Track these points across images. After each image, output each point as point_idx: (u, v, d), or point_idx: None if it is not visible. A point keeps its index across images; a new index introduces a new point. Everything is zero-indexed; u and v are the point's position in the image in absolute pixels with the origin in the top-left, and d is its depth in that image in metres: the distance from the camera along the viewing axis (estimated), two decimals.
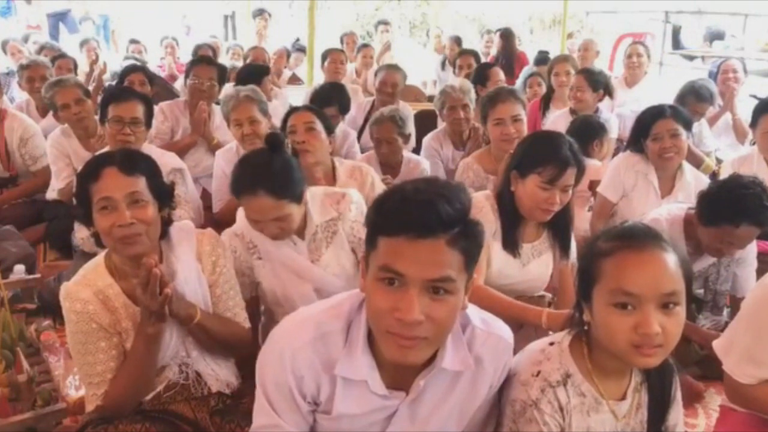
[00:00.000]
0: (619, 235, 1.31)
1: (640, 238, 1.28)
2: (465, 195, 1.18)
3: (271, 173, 1.86)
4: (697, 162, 3.67)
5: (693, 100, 4.05)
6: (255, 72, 4.22)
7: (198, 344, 1.76)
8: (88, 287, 1.65)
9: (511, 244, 2.15)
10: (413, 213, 1.12)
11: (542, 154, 2.06)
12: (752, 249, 2.55)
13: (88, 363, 1.64)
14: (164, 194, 1.70)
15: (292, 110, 2.83)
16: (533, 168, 2.04)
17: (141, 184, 1.63)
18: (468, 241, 1.16)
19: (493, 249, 2.15)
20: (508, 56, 6.59)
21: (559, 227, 2.22)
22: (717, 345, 1.79)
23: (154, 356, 1.65)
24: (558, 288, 2.32)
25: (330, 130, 2.77)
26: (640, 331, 1.22)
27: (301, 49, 7.26)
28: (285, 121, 2.78)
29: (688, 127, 2.93)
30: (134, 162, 1.65)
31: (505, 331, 1.37)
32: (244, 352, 1.88)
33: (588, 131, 3.65)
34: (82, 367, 1.66)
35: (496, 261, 2.16)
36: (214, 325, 1.74)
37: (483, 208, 2.14)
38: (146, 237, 1.62)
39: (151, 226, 1.63)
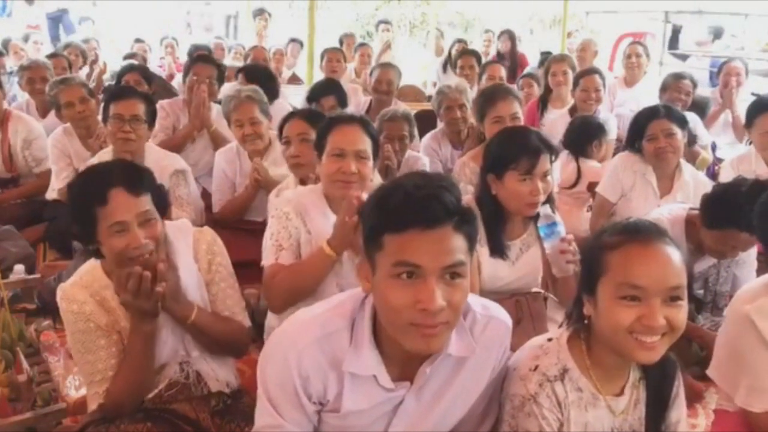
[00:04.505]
0: (625, 229, 1.33)
1: (645, 233, 1.30)
2: (457, 185, 1.25)
3: (366, 118, 2.20)
4: (693, 156, 3.69)
5: (671, 80, 4.17)
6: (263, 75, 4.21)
7: (198, 344, 1.76)
8: (85, 289, 1.65)
9: (498, 248, 2.14)
10: (420, 206, 1.16)
11: (512, 149, 2.06)
12: (752, 250, 2.55)
13: (89, 362, 1.64)
14: (164, 203, 1.70)
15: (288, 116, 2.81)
16: (507, 165, 2.04)
17: (148, 202, 1.62)
18: (469, 225, 1.21)
19: (482, 255, 2.13)
20: (514, 57, 6.63)
21: None
22: (711, 374, 1.85)
23: (152, 353, 1.65)
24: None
25: None
26: (644, 322, 1.24)
27: (294, 40, 7.36)
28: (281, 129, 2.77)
29: (682, 125, 2.94)
30: (139, 179, 1.63)
31: (504, 315, 1.42)
32: (244, 351, 1.88)
33: (587, 132, 3.66)
34: (84, 366, 1.66)
35: (486, 266, 2.14)
36: (210, 323, 1.73)
37: None
38: (156, 252, 1.62)
39: (160, 240, 1.63)
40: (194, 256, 1.76)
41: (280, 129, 2.77)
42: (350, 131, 2.07)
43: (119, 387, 1.63)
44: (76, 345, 1.65)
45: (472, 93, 3.88)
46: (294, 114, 2.81)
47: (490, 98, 3.01)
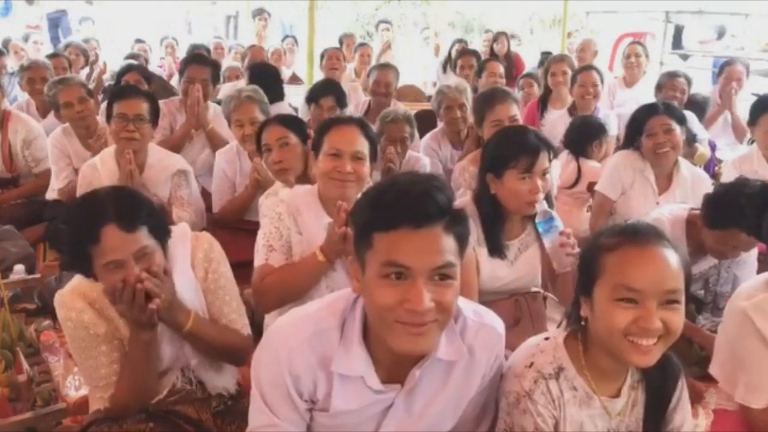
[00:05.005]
0: (623, 231, 1.32)
1: (643, 235, 1.29)
2: (449, 187, 1.25)
3: (364, 120, 2.19)
4: (692, 154, 3.69)
5: (666, 79, 4.21)
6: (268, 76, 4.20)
7: (196, 352, 1.74)
8: (82, 297, 1.62)
9: (497, 248, 2.13)
10: (412, 203, 1.16)
11: (511, 148, 2.06)
12: (753, 251, 2.54)
13: (92, 367, 1.63)
14: (164, 231, 1.63)
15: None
16: (507, 164, 2.04)
17: (144, 236, 1.54)
18: (460, 226, 1.21)
19: (481, 255, 2.13)
20: (510, 59, 6.65)
21: None
22: (713, 371, 1.86)
23: (152, 361, 1.64)
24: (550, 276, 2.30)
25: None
26: (640, 324, 1.23)
27: (289, 36, 7.48)
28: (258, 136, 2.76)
29: (681, 122, 2.94)
30: (133, 214, 1.54)
31: (497, 323, 1.40)
32: (244, 359, 1.84)
33: (588, 131, 3.66)
34: (87, 371, 1.65)
35: (484, 266, 2.14)
36: (208, 332, 1.70)
37: None
38: (159, 283, 1.56)
39: (158, 272, 1.57)
40: (191, 263, 1.73)
41: (258, 138, 2.76)
42: (348, 132, 2.08)
43: (123, 393, 1.62)
44: (77, 351, 1.64)
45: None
46: (269, 121, 2.81)
47: (488, 102, 3.01)
